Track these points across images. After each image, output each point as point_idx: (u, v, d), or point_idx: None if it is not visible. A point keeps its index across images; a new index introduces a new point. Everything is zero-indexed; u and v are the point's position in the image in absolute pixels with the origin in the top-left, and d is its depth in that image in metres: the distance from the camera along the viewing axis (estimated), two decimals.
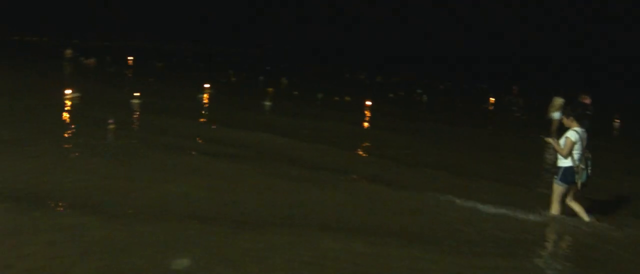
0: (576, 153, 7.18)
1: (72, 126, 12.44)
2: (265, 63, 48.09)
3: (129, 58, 37.25)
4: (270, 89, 22.76)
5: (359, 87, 31.28)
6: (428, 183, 9.21)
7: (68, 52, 36.78)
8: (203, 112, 17.04)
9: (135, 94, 17.05)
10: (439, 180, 9.49)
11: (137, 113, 15.26)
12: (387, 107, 21.18)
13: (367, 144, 13.26)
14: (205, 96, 20.60)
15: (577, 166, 7.16)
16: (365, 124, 16.82)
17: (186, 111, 16.13)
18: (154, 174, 8.50)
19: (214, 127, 13.79)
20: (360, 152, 12.17)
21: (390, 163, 10.67)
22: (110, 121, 12.09)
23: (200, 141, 11.84)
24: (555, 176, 7.37)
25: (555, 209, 7.46)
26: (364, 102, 20.69)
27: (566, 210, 7.49)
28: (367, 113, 18.99)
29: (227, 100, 20.22)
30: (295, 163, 9.98)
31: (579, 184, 7.24)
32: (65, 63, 33.30)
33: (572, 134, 7.15)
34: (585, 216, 7.34)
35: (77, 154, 9.52)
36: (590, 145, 7.52)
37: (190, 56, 53.22)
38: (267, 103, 19.16)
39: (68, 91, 16.83)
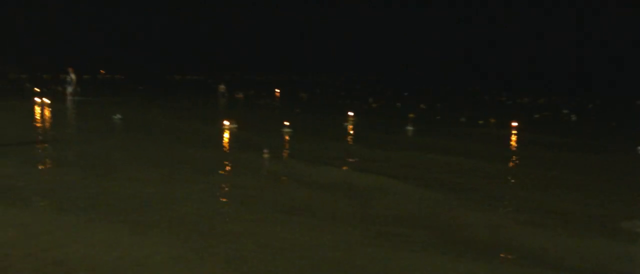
0: None
1: (232, 154, 13.39)
2: (402, 88, 48.09)
3: (276, 90, 39.22)
4: (411, 115, 22.65)
5: (501, 108, 30.05)
6: None
7: (221, 87, 39.54)
8: (349, 137, 17.37)
9: (285, 123, 17.85)
10: None
11: (288, 140, 15.96)
12: (537, 131, 20.04)
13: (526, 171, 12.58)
14: (350, 121, 20.97)
15: None
16: (514, 145, 16.06)
17: (333, 137, 16.60)
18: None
19: (361, 149, 14.05)
20: (514, 179, 11.56)
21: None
22: (265, 150, 12.74)
23: (350, 160, 12.13)
24: None
25: None
26: (510, 124, 19.82)
27: None
28: (513, 137, 18.12)
29: (371, 126, 20.42)
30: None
31: None
32: (220, 97, 35.88)
33: None
34: None
35: (234, 184, 10.15)
36: None
37: (332, 86, 54.85)
38: (410, 128, 19.05)
39: (226, 122, 18.05)
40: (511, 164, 12.89)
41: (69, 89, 28.55)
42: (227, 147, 14.83)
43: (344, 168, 11.77)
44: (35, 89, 32.59)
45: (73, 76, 29.05)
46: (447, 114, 25.89)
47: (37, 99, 26.35)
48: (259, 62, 73.00)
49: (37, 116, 21.29)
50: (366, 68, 72.41)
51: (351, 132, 18.68)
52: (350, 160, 12.84)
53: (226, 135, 16.74)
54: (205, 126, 19.32)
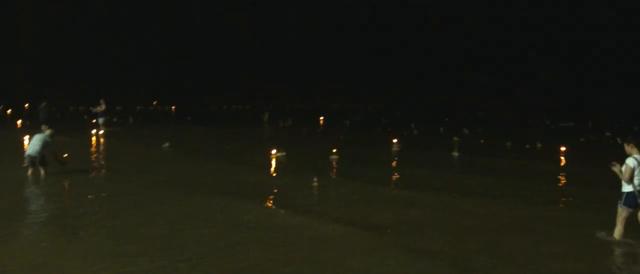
0: (637, 178, 7.54)
1: (281, 182, 13.47)
2: (443, 113, 47.54)
3: (320, 118, 39.32)
4: (455, 138, 22.34)
5: (546, 132, 29.32)
6: None
7: (266, 115, 39.91)
8: (394, 163, 17.22)
9: (333, 150, 17.85)
10: None
11: (336, 167, 15.94)
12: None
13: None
14: (394, 147, 20.76)
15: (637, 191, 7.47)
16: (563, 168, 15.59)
17: (379, 164, 16.50)
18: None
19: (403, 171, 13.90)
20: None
21: None
22: (315, 179, 12.74)
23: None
24: (619, 201, 7.74)
25: (618, 232, 7.81)
26: (559, 149, 19.28)
27: None
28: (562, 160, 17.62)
29: (415, 151, 20.19)
30: None
31: None
32: (266, 126, 36.23)
33: (630, 161, 7.57)
34: None
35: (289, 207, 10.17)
36: None
37: (373, 113, 54.69)
38: (455, 154, 18.76)
39: (274, 151, 18.16)
40: None
41: (101, 120, 29.08)
42: (277, 174, 14.93)
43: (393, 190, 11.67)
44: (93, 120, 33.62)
45: (103, 107, 29.73)
46: (490, 138, 25.34)
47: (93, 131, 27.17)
48: (299, 90, 73.53)
49: (94, 147, 21.95)
50: (403, 93, 71.88)
51: (396, 158, 18.52)
52: (395, 180, 12.73)
53: (275, 163, 16.85)
54: (253, 153, 19.48)
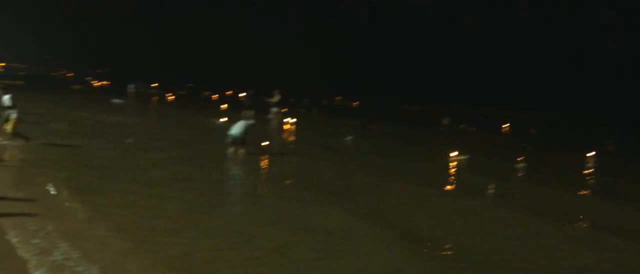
0: None
1: (455, 187, 13.02)
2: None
3: (503, 126, 37.28)
4: None
5: None
6: None
7: (445, 120, 38.87)
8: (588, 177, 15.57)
9: (518, 159, 16.79)
10: None
11: (519, 179, 14.96)
12: None
13: None
14: (589, 162, 18.74)
15: None
16: None
17: (570, 181, 15.03)
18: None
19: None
20: None
21: None
22: (490, 186, 12.07)
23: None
24: None
25: None
26: None
27: None
28: None
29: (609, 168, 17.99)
30: None
31: None
32: (443, 129, 35.41)
33: None
34: None
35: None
36: None
37: (560, 120, 50.46)
38: None
39: (454, 153, 17.61)
40: None
41: (274, 110, 30.65)
42: (455, 180, 14.46)
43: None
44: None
45: (277, 97, 31.36)
46: None
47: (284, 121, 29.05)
48: (482, 95, 70.32)
49: (281, 134, 23.47)
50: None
51: (590, 174, 16.74)
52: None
53: (453, 166, 16.35)
54: (431, 155, 19.17)
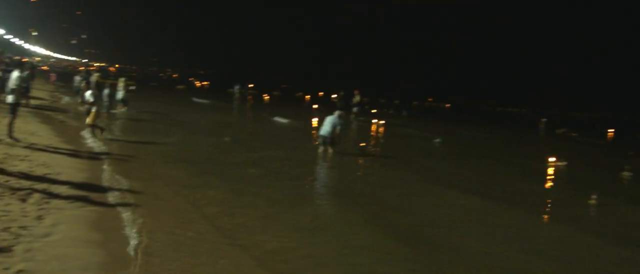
0: None
1: (554, 194, 12.30)
2: None
3: (608, 130, 34.81)
4: None
5: None
6: None
7: (542, 121, 37.11)
8: None
9: (626, 166, 15.59)
10: None
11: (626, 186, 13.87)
12: None
13: None
14: None
15: None
16: None
17: None
18: None
19: None
20: None
21: None
22: (593, 196, 11.23)
23: None
24: None
25: None
26: None
27: None
28: None
29: None
30: None
31: None
32: (541, 133, 33.67)
33: None
34: None
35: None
36: None
37: None
38: None
39: (552, 159, 16.71)
40: None
41: (355, 110, 30.45)
42: (554, 186, 13.70)
43: None
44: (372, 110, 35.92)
45: (357, 98, 31.18)
46: None
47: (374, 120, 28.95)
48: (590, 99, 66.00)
49: (371, 134, 23.40)
50: None
51: None
52: None
53: (552, 172, 15.48)
54: (526, 159, 18.28)
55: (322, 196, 10.14)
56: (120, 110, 21.11)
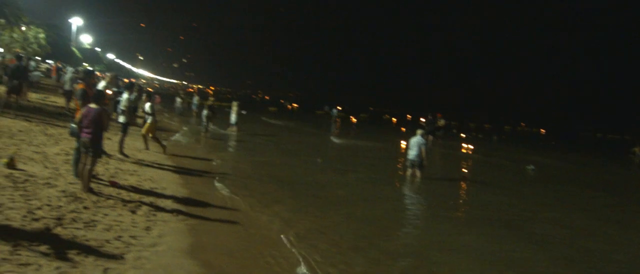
0: None
1: None
2: None
3: None
4: None
5: None
6: None
7: (637, 149, 34.28)
8: None
9: None
10: None
11: None
12: None
13: None
14: None
15: None
16: None
17: None
18: None
19: None
20: None
21: None
22: None
23: None
24: None
25: None
26: None
27: None
28: None
29: None
30: None
31: None
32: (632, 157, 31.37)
33: None
34: None
35: None
36: None
37: None
38: None
39: None
40: None
41: (439, 133, 29.58)
42: None
43: None
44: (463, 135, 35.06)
45: (442, 122, 30.30)
46: None
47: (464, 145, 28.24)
48: None
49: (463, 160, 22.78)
50: None
51: None
52: None
53: None
54: (621, 193, 17.03)
55: (411, 220, 10.00)
56: (232, 131, 22.16)
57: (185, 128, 22.34)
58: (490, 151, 28.59)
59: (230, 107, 23.52)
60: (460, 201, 12.52)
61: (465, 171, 18.70)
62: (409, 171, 14.52)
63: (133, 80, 36.27)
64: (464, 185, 14.77)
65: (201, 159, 14.01)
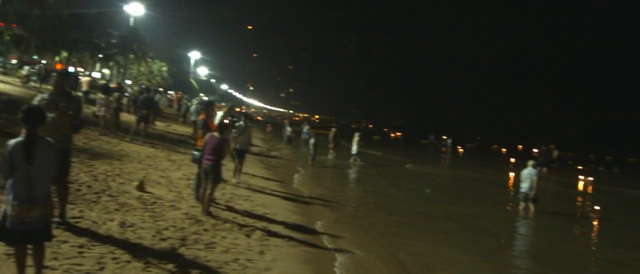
0: None
1: None
2: None
3: None
4: None
5: None
6: None
7: None
8: None
9: None
10: None
11: None
12: None
13: None
14: None
15: None
16: None
17: None
18: None
19: None
20: None
21: None
22: None
23: None
24: None
25: None
26: None
27: None
28: None
29: None
30: None
31: None
32: None
33: None
34: None
35: None
36: None
37: None
38: None
39: None
40: None
41: (554, 165, 27.62)
42: None
43: None
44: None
45: (555, 153, 28.26)
46: None
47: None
48: None
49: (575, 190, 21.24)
50: None
51: None
52: None
53: None
54: None
55: (520, 257, 9.50)
56: (354, 162, 22.63)
57: (293, 155, 23.04)
58: (610, 184, 26.42)
59: (351, 139, 23.90)
60: (582, 239, 11.66)
61: (587, 206, 17.45)
62: (522, 205, 13.82)
63: (244, 109, 38.12)
64: (575, 220, 13.79)
65: (309, 186, 14.35)
